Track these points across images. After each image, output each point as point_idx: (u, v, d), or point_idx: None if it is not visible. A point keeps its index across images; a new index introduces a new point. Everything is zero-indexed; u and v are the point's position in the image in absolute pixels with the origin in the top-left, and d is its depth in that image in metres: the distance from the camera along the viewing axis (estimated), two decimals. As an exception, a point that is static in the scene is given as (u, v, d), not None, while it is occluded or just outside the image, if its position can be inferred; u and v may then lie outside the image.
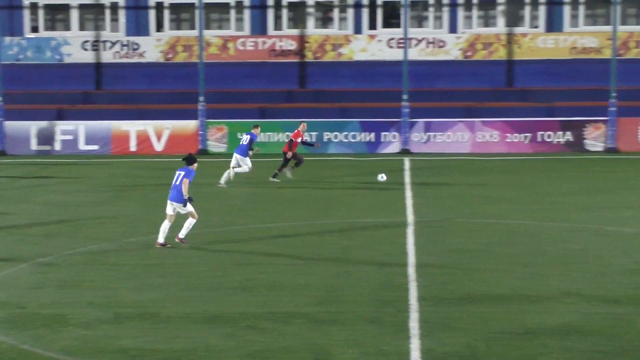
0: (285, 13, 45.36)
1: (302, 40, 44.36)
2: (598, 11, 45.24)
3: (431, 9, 45.12)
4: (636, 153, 38.98)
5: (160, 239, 21.24)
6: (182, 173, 21.23)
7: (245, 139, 31.56)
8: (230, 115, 41.39)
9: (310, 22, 45.23)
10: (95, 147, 40.47)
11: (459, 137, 39.84)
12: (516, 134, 39.76)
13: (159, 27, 45.56)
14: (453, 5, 44.84)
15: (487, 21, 45.38)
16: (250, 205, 27.20)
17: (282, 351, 14.05)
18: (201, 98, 40.12)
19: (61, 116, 42.59)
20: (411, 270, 18.84)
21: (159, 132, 40.48)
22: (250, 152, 31.21)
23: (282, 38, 44.43)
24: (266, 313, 15.95)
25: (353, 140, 39.94)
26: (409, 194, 29.00)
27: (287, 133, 39.74)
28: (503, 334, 14.81)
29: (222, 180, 30.86)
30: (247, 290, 17.48)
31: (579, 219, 24.52)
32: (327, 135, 39.96)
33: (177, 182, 21.19)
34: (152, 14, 45.46)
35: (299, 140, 31.76)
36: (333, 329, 15.04)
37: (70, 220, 25.07)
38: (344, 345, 14.25)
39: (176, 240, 21.38)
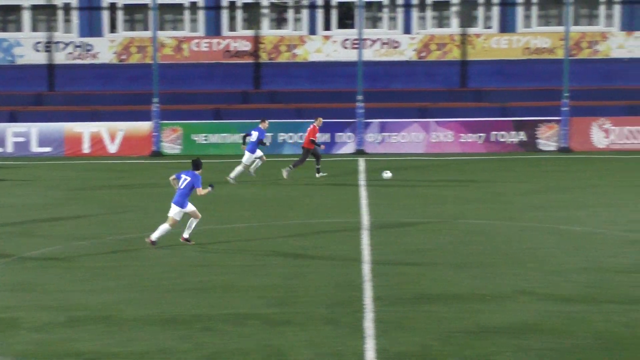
0: (239, 14, 45.28)
1: (256, 41, 44.30)
2: (551, 12, 45.61)
3: (385, 10, 45.25)
4: (588, 152, 39.34)
5: (153, 236, 21.22)
6: (188, 178, 21.19)
7: (253, 135, 31.97)
8: (184, 116, 41.27)
9: (265, 23, 45.19)
10: (48, 149, 40.16)
11: (413, 138, 39.98)
12: (470, 134, 39.98)
13: (113, 28, 45.31)
14: (407, 6, 45.00)
15: (441, 22, 45.59)
16: (206, 206, 27.07)
17: (237, 353, 14.03)
18: (155, 99, 39.95)
19: (14, 118, 42.23)
20: (366, 270, 18.87)
21: (112, 133, 40.26)
22: (266, 143, 32.43)
23: (236, 39, 44.35)
24: (221, 315, 15.91)
25: (308, 141, 39.88)
26: (364, 194, 29.06)
27: (241, 134, 39.71)
28: (458, 333, 14.86)
29: (251, 170, 32.22)
30: (202, 292, 17.43)
31: (533, 218, 24.69)
32: (282, 136, 39.95)
33: (182, 187, 21.17)
34: (105, 15, 45.20)
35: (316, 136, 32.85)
36: (288, 330, 15.03)
37: (24, 222, 24.85)
38: (299, 346, 14.25)
39: (181, 240, 21.31)
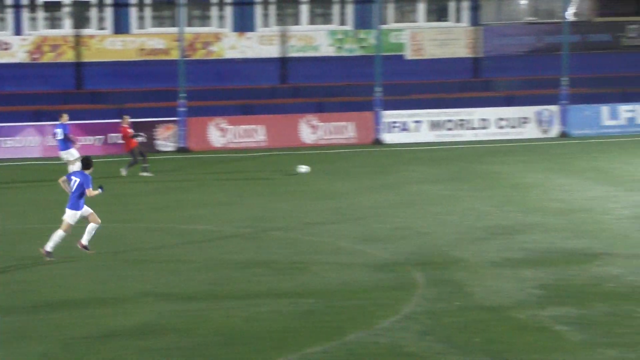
0: None
1: None
2: (164, 13, 46.00)
3: (-4, 10, 43.75)
4: (206, 152, 40.05)
5: (48, 247, 19.57)
6: (78, 180, 19.62)
7: (58, 133, 31.59)
8: None
9: None
10: None
11: (29, 142, 38.92)
12: (88, 137, 39.48)
13: None
14: (17, 7, 43.74)
15: (54, 23, 44.72)
16: None
17: None
18: None
19: None
20: (-18, 281, 18.14)
21: None
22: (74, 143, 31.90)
23: None
24: None
25: None
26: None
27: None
28: (81, 339, 14.63)
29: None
30: None
31: (154, 218, 24.80)
32: None
33: (73, 189, 19.59)
34: None
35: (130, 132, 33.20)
36: None
37: None
38: None
39: (78, 246, 19.69)
